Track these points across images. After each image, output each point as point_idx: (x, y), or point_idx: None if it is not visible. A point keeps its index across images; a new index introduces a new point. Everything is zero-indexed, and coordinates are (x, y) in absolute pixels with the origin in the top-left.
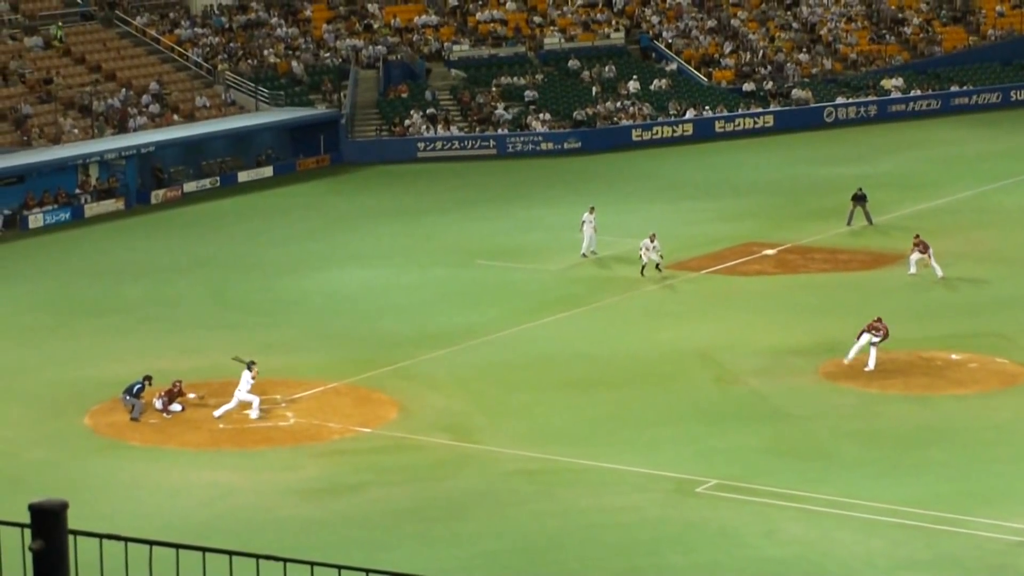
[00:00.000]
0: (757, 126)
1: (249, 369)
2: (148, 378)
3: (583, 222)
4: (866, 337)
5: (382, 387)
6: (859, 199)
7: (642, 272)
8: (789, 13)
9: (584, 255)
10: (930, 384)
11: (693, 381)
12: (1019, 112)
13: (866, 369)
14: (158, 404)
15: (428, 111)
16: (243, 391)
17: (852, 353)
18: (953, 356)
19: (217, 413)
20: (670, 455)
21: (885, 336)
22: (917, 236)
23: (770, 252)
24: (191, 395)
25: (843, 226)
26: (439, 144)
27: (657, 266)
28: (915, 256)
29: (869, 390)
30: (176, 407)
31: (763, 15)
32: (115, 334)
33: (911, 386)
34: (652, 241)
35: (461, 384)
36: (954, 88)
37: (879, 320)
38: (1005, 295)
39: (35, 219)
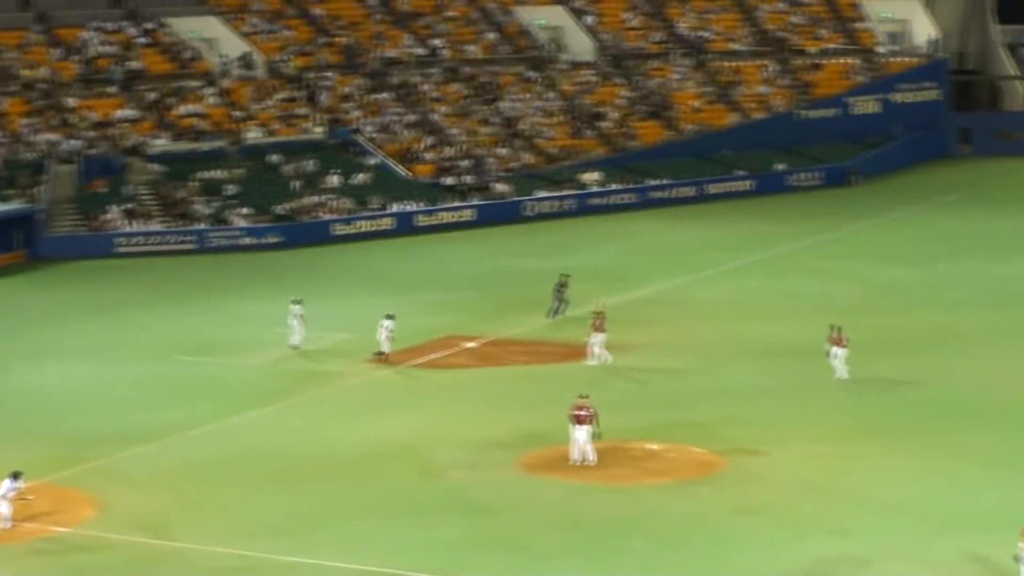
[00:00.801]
0: (458, 220)
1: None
2: None
3: (291, 315)
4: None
5: (79, 485)
6: (560, 288)
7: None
8: (489, 108)
9: (293, 347)
10: (629, 474)
11: (397, 475)
12: (714, 205)
13: (589, 462)
14: None
15: (127, 206)
16: None
17: (580, 450)
18: (651, 446)
19: None
20: (375, 550)
21: (593, 419)
22: (597, 315)
23: (471, 345)
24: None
25: (544, 318)
26: (138, 239)
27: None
28: (598, 337)
29: (569, 481)
30: None
31: (463, 110)
32: None
33: (610, 477)
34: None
35: (161, 481)
36: (651, 182)
37: (583, 397)
38: (701, 385)
39: None
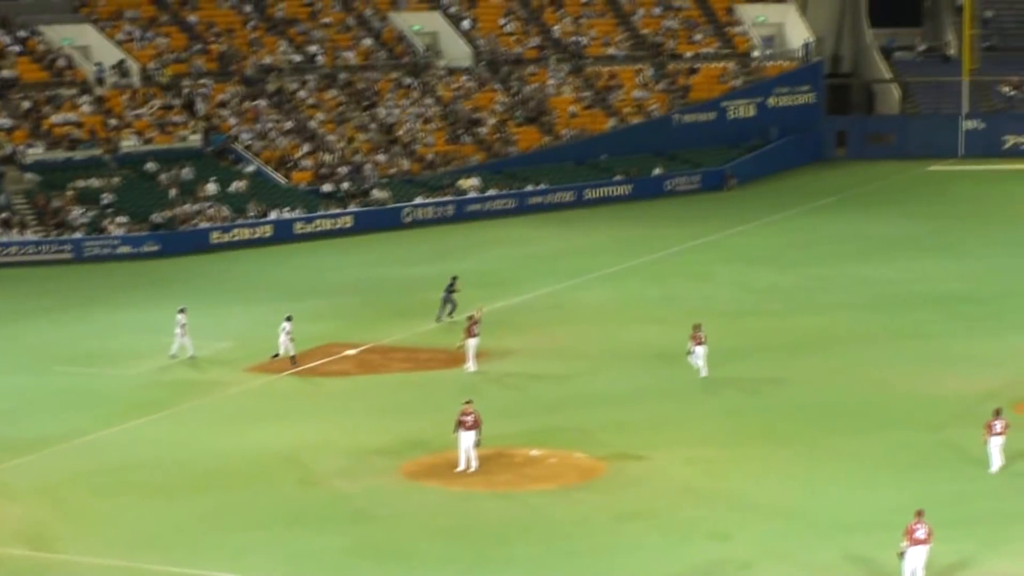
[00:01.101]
0: (337, 227)
1: None
2: None
3: (177, 324)
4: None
5: None
6: (449, 290)
7: (281, 357)
8: (367, 114)
9: (172, 357)
10: (512, 480)
11: (277, 484)
12: (593, 210)
13: (472, 469)
14: None
15: (2, 215)
16: None
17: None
18: (533, 452)
19: None
20: (257, 559)
21: (476, 425)
22: (471, 319)
23: (351, 352)
24: None
25: (427, 324)
26: (14, 249)
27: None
28: (472, 342)
29: (452, 488)
30: None
31: (341, 116)
32: None
33: (494, 483)
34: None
35: (43, 493)
36: (529, 187)
37: (467, 403)
38: (583, 390)
39: None
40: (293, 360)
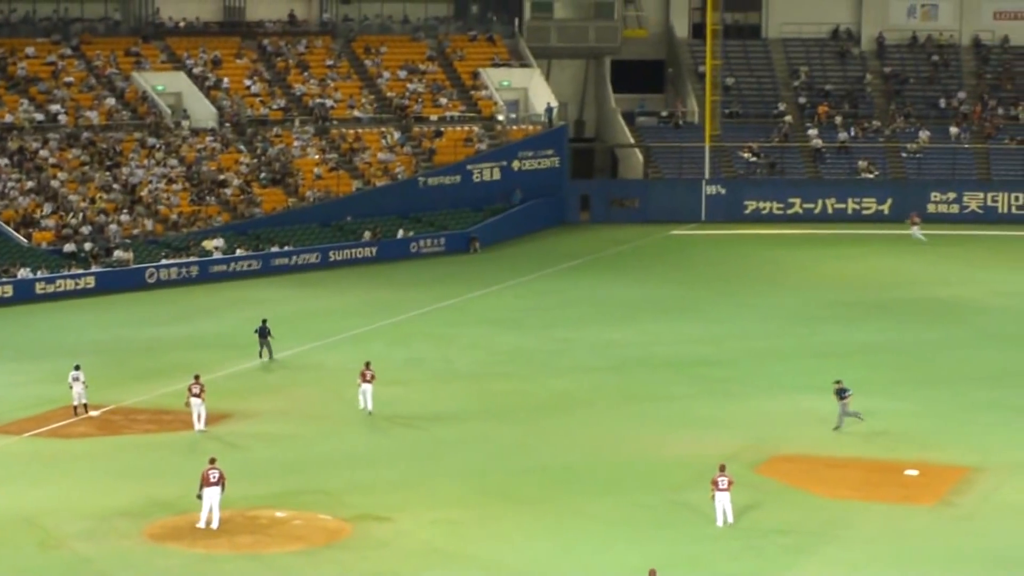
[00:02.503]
0: (79, 287)
1: None
2: None
3: None
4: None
5: None
6: (263, 332)
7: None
8: (109, 174)
9: None
10: (257, 542)
11: (16, 547)
12: (338, 272)
13: (212, 527)
14: None
15: None
16: None
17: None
18: (278, 514)
19: None
20: None
21: (221, 481)
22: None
23: (94, 414)
24: None
25: (171, 385)
26: None
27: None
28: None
29: (195, 550)
30: None
31: (83, 176)
32: None
33: (238, 545)
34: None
35: None
36: (274, 249)
37: (212, 461)
38: (326, 452)
39: None
40: (86, 408)
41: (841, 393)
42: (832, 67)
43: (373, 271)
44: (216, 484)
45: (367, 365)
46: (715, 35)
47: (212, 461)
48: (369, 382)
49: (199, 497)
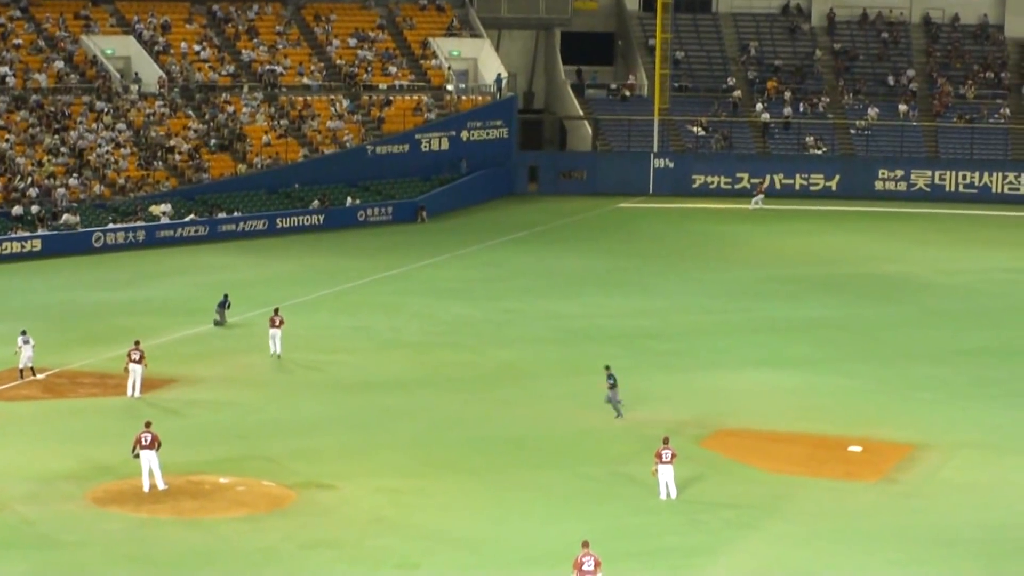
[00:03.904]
0: (25, 250)
1: None
2: None
3: None
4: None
5: None
6: (223, 305)
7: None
8: (57, 137)
9: None
10: (200, 507)
11: None
12: (285, 239)
13: (160, 488)
14: None
15: None
16: None
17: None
18: (222, 480)
19: None
20: None
21: (155, 444)
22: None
23: (39, 377)
24: None
25: (117, 349)
26: None
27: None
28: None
29: (139, 515)
30: None
31: (31, 139)
32: None
33: (181, 510)
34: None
35: None
36: (222, 215)
37: (147, 425)
38: (270, 419)
39: None
40: (32, 371)
41: (610, 379)
42: (782, 42)
43: (320, 239)
44: (149, 447)
45: (276, 311)
46: (665, 8)
47: (147, 424)
48: (278, 327)
49: (136, 456)
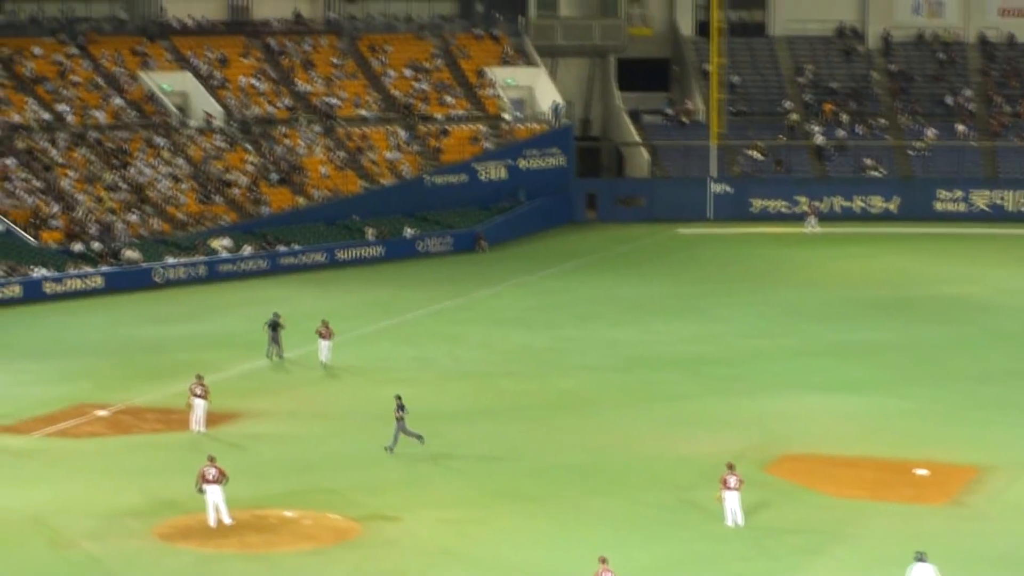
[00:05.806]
0: (87, 287)
1: None
2: None
3: None
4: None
5: None
6: (274, 326)
7: None
8: (117, 174)
9: None
10: (266, 542)
11: (27, 546)
12: (345, 271)
13: (225, 523)
14: None
15: None
16: None
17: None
18: (287, 513)
19: None
20: None
21: (221, 479)
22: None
23: (103, 413)
24: None
25: (178, 384)
26: None
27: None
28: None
29: (205, 550)
30: None
31: (91, 176)
32: None
33: (247, 544)
34: None
35: None
36: (281, 248)
37: (210, 459)
38: (334, 451)
39: None
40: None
41: (399, 409)
42: (838, 65)
43: (380, 270)
44: (215, 482)
45: (325, 324)
46: (720, 33)
47: (211, 459)
48: (327, 339)
49: (200, 491)
